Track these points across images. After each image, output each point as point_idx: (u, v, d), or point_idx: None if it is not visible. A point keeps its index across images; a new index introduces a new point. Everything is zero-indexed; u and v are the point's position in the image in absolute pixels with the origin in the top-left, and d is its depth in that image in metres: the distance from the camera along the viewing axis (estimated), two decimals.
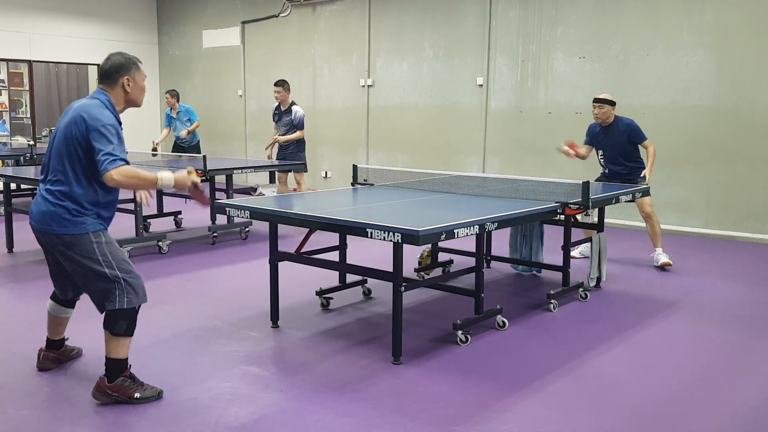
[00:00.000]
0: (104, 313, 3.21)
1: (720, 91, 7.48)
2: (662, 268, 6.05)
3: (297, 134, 8.26)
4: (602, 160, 6.28)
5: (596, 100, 6.14)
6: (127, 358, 3.26)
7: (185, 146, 10.00)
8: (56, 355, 3.65)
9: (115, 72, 3.26)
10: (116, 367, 3.22)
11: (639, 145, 6.09)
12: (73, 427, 3.01)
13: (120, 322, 3.18)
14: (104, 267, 3.14)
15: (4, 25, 11.75)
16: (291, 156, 8.37)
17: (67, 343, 3.74)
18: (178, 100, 10.04)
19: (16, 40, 11.91)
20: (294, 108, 8.31)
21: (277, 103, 8.45)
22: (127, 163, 3.12)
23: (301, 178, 8.42)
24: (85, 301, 3.43)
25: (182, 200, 8.97)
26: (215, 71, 12.84)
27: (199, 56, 13.10)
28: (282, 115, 8.40)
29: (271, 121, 8.68)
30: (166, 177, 3.18)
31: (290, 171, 8.42)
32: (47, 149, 3.27)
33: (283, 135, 8.36)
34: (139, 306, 3.24)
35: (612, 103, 6.10)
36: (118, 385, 3.21)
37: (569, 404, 3.28)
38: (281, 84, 8.31)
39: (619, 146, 6.09)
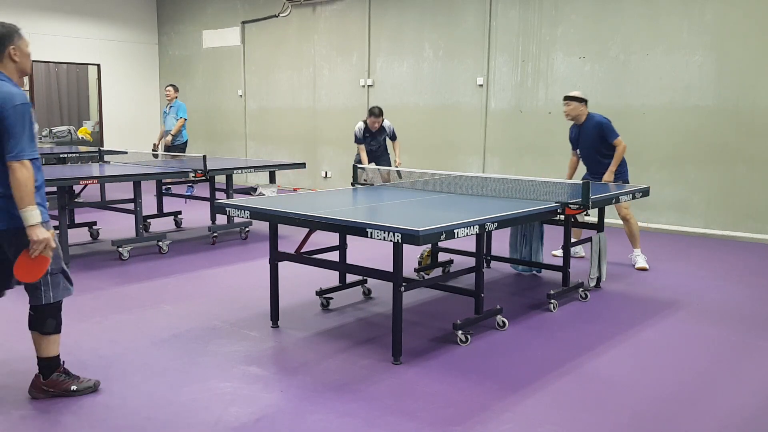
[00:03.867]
0: (29, 315, 3.19)
1: (720, 91, 7.48)
2: (642, 270, 5.99)
3: (397, 143, 8.07)
4: (582, 160, 6.29)
5: (566, 98, 6.12)
6: (59, 355, 3.29)
7: (173, 144, 10.08)
8: None
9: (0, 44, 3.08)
10: (50, 365, 3.26)
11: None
12: (71, 426, 3.01)
13: (48, 321, 3.19)
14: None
15: None
16: (383, 159, 8.09)
17: None
18: (177, 93, 10.27)
19: None
20: (385, 124, 7.91)
21: (363, 128, 7.93)
22: (34, 160, 3.02)
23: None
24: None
25: (182, 200, 8.98)
26: (215, 71, 12.85)
27: (199, 56, 13.10)
28: (375, 135, 7.95)
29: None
30: (35, 215, 2.97)
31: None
32: None
33: (386, 152, 8.10)
34: (61, 301, 3.22)
35: (581, 100, 6.05)
36: (53, 381, 3.26)
37: (569, 404, 3.28)
38: (378, 114, 7.78)
39: (592, 144, 6.05)
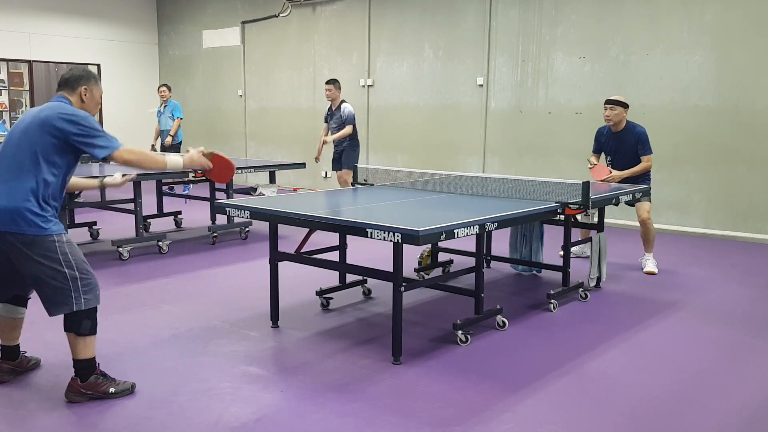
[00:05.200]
0: (65, 317, 3.16)
1: (720, 91, 7.48)
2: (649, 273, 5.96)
3: (345, 130, 8.18)
4: (610, 165, 6.13)
5: (609, 101, 5.95)
6: (94, 357, 3.27)
7: (166, 144, 10.13)
8: (12, 366, 3.49)
9: (75, 81, 3.34)
10: (86, 367, 3.23)
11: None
12: (71, 426, 3.01)
13: (84, 323, 3.17)
14: (64, 267, 3.10)
15: (4, 25, 11.76)
16: (344, 154, 8.30)
17: (25, 353, 3.59)
18: (170, 92, 10.38)
19: (16, 40, 11.92)
20: (344, 105, 8.26)
21: (329, 104, 8.41)
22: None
23: (349, 176, 8.29)
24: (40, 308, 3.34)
25: (182, 200, 8.98)
26: (215, 71, 12.85)
27: (199, 56, 13.10)
28: (333, 113, 8.34)
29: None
30: (175, 159, 3.41)
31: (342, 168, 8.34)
32: (5, 140, 3.20)
33: (334, 132, 8.32)
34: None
35: (625, 105, 5.93)
36: (92, 383, 3.23)
37: (569, 404, 3.28)
38: (332, 82, 8.28)
39: (629, 154, 5.95)
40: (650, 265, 5.99)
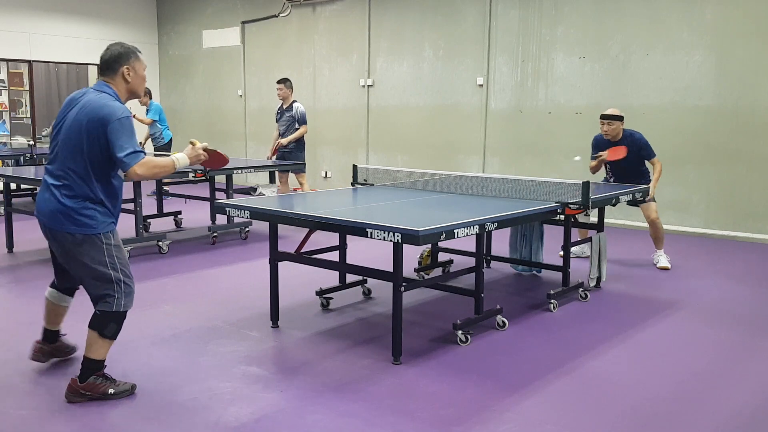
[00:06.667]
0: (94, 314, 3.22)
1: (720, 91, 7.48)
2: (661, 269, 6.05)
3: (300, 130, 8.30)
4: (609, 173, 6.20)
5: (604, 117, 5.99)
6: (104, 360, 3.28)
7: (154, 145, 10.12)
8: (50, 349, 3.63)
9: (115, 62, 3.25)
10: (92, 367, 3.24)
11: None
12: (71, 426, 3.01)
13: (111, 325, 3.21)
14: (109, 269, 3.18)
15: (4, 25, 11.75)
16: (290, 156, 8.41)
17: (64, 339, 3.71)
18: (150, 98, 10.27)
19: (16, 40, 11.91)
20: (295, 104, 8.40)
21: (280, 102, 8.52)
22: (145, 154, 3.18)
23: (303, 179, 8.43)
24: (85, 302, 3.43)
25: (182, 200, 8.98)
26: (215, 71, 12.85)
27: (199, 56, 13.10)
28: (284, 112, 8.47)
29: (274, 122, 8.72)
30: (182, 158, 3.32)
31: (289, 171, 8.47)
32: (52, 142, 3.22)
33: (284, 132, 8.44)
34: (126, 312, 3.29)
35: (621, 119, 5.98)
36: (90, 384, 3.22)
37: (569, 404, 3.28)
38: (283, 81, 8.43)
39: (627, 161, 5.97)
40: (663, 260, 6.06)
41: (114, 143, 3.07)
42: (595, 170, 6.12)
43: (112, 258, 3.18)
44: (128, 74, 3.26)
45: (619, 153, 5.92)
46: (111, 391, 3.25)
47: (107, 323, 3.20)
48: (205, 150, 3.42)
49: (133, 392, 3.33)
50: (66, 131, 3.14)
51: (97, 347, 3.22)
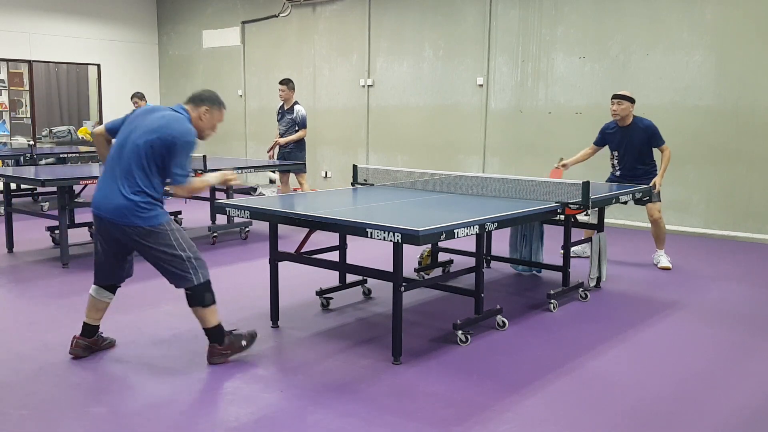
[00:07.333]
0: (186, 295, 3.60)
1: (720, 91, 7.48)
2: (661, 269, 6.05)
3: (299, 134, 8.32)
4: (616, 161, 6.18)
5: (616, 96, 5.97)
6: (221, 323, 3.68)
7: None
8: (88, 343, 3.80)
9: (203, 99, 3.71)
10: (218, 333, 3.66)
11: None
12: (72, 426, 3.02)
13: (205, 295, 3.61)
14: (179, 250, 3.56)
15: (4, 25, 11.75)
16: (290, 156, 8.41)
17: (101, 334, 3.88)
18: (144, 101, 10.46)
19: (16, 40, 11.91)
20: (297, 107, 8.39)
21: (281, 102, 8.53)
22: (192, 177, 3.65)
23: (303, 179, 8.44)
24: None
25: (182, 200, 8.97)
26: (215, 71, 12.84)
27: (199, 56, 13.10)
28: (285, 113, 8.47)
29: (275, 120, 8.73)
30: (213, 178, 3.90)
31: (290, 171, 8.47)
32: (119, 141, 3.56)
33: (284, 133, 8.45)
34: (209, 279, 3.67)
35: (632, 100, 5.96)
36: (229, 345, 3.70)
37: (569, 404, 3.28)
38: (286, 82, 8.42)
39: (637, 148, 5.98)
40: (664, 260, 6.06)
41: (175, 158, 3.47)
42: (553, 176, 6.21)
43: (178, 240, 3.57)
44: (205, 114, 3.69)
45: (556, 176, 6.11)
46: (243, 342, 3.76)
47: (201, 295, 3.59)
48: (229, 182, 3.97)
49: (257, 337, 3.84)
50: (142, 134, 3.48)
51: (208, 316, 3.63)
